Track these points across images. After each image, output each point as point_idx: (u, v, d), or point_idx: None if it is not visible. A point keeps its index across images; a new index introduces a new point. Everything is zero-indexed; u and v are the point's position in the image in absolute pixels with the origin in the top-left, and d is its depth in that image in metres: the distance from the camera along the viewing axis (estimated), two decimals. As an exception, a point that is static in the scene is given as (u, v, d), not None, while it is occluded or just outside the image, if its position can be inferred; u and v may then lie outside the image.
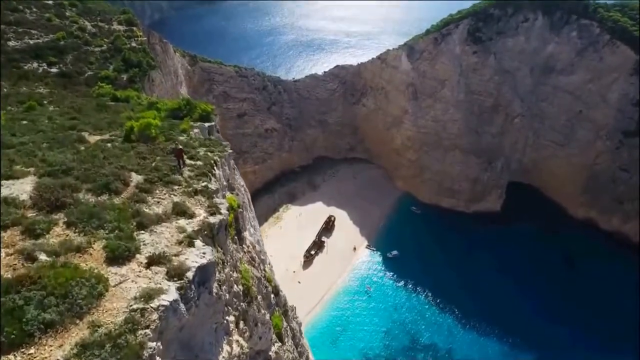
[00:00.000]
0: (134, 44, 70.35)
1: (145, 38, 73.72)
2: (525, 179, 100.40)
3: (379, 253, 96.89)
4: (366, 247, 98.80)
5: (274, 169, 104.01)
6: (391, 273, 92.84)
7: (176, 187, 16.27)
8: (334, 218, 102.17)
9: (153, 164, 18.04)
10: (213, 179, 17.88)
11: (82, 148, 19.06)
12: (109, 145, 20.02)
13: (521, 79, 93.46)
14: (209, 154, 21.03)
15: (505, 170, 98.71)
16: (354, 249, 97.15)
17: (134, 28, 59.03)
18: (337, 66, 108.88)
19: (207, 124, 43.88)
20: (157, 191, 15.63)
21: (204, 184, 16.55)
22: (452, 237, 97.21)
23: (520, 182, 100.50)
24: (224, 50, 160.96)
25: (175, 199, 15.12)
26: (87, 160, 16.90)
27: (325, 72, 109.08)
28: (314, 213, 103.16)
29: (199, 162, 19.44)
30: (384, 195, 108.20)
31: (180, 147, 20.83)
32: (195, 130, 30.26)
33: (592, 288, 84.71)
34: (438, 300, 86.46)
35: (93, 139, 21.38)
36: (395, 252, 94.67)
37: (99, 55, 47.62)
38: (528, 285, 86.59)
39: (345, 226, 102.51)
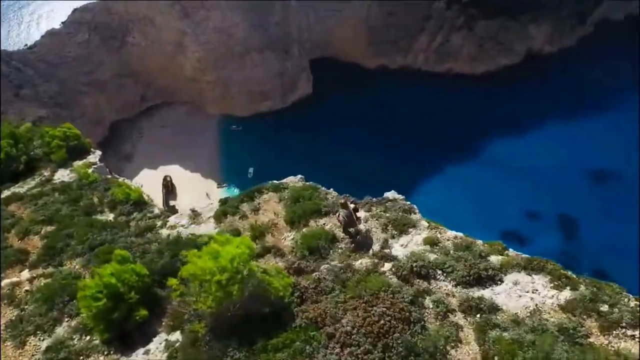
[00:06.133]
0: None
1: None
2: (321, 53, 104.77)
3: (233, 185, 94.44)
4: (218, 187, 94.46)
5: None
6: None
7: None
8: (170, 177, 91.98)
9: None
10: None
11: None
12: None
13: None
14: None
15: (303, 53, 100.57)
16: (207, 195, 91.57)
17: None
18: (75, 10, 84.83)
19: (97, 160, 31.95)
20: None
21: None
22: (281, 137, 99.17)
23: (319, 57, 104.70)
24: None
25: None
26: None
27: (63, 23, 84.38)
28: (147, 184, 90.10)
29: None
30: (203, 128, 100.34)
31: (352, 202, 15.21)
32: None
33: (400, 116, 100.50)
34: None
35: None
36: (251, 170, 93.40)
37: None
38: (362, 139, 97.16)
39: (186, 179, 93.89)
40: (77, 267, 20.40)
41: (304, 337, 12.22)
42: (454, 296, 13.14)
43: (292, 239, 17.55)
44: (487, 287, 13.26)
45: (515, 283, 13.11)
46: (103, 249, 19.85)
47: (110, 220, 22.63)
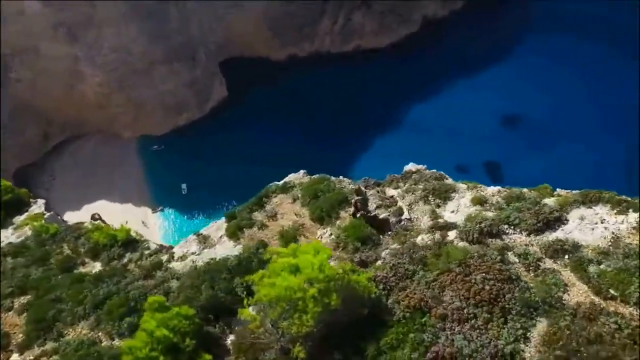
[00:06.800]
0: None
1: None
2: (229, 54, 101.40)
3: (167, 207, 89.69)
4: (153, 213, 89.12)
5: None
6: (187, 213, 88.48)
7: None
8: (98, 215, 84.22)
9: None
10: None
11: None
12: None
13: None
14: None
15: (210, 57, 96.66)
16: (144, 223, 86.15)
17: None
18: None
19: (43, 209, 28.76)
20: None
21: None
22: (207, 145, 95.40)
23: (227, 59, 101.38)
24: None
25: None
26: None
27: None
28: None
29: None
30: (122, 155, 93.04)
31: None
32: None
33: (320, 101, 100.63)
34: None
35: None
36: (184, 186, 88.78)
37: None
38: (289, 129, 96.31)
39: (116, 212, 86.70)
40: (84, 332, 17.66)
41: (416, 326, 11.53)
42: (532, 245, 13.21)
43: (330, 234, 16.59)
44: (557, 229, 13.52)
45: (582, 218, 13.49)
46: (113, 302, 17.33)
47: (103, 269, 19.82)
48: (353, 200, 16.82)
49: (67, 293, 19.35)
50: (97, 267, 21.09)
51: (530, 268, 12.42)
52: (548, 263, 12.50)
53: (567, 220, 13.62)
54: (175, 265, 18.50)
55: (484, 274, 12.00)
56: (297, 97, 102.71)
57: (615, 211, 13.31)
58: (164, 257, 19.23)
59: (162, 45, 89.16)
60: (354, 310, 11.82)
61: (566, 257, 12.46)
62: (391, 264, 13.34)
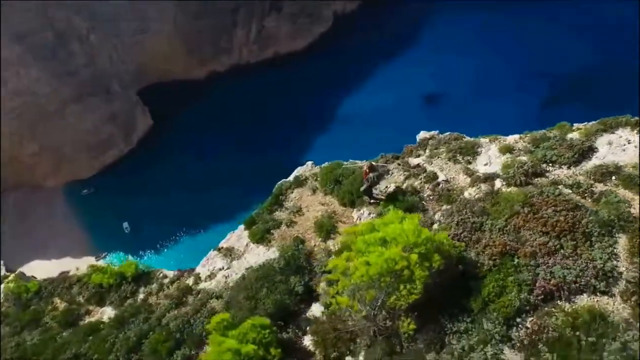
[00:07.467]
0: None
1: None
2: (147, 81, 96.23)
3: (111, 251, 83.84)
4: (97, 260, 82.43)
5: None
6: (135, 253, 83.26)
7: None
8: (34, 277, 76.58)
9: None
10: None
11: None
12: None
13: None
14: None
15: (127, 86, 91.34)
16: (89, 275, 79.43)
17: None
18: None
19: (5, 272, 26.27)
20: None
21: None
22: (142, 178, 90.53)
23: (146, 86, 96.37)
24: None
25: None
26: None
27: None
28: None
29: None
30: (49, 207, 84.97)
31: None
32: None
33: (253, 111, 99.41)
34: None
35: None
36: (126, 225, 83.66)
37: None
38: (226, 143, 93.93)
39: (56, 269, 77.34)
40: (125, 381, 15.80)
41: (511, 270, 11.68)
42: (577, 175, 13.96)
43: (369, 213, 16.33)
44: (592, 158, 14.45)
45: (610, 143, 14.53)
46: (154, 340, 15.68)
47: (122, 311, 17.81)
48: (367, 177, 16.33)
49: (86, 347, 17.21)
50: (107, 311, 18.98)
51: (586, 195, 13.14)
52: (600, 187, 13.31)
53: (597, 148, 14.63)
54: (207, 285, 17.16)
55: (553, 207, 12.49)
56: (225, 111, 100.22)
57: (636, 131, 14.52)
58: (189, 281, 17.76)
59: (71, 83, 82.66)
60: (450, 270, 11.70)
61: (613, 177, 13.34)
62: (456, 221, 13.42)
